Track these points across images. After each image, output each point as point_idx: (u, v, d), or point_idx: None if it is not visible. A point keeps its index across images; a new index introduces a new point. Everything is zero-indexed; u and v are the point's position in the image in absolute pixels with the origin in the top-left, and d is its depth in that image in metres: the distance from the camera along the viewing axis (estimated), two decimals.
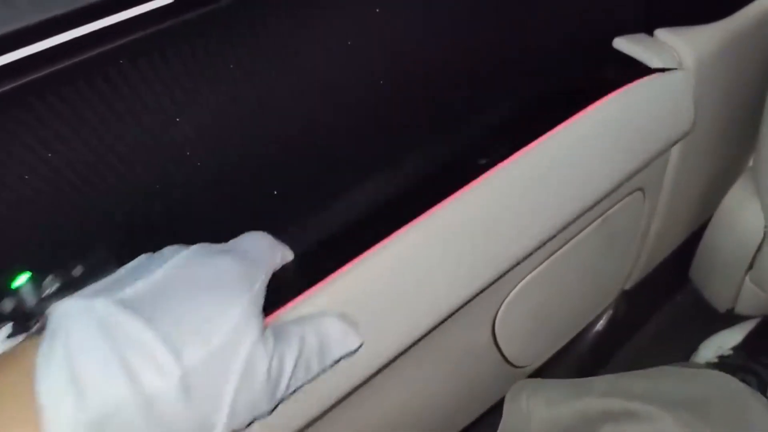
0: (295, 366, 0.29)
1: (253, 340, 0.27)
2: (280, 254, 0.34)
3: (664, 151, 0.55)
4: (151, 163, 0.31)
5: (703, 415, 0.41)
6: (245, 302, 0.27)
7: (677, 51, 0.58)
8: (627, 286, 0.78)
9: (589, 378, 0.52)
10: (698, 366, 0.73)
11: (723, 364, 0.79)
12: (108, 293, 0.25)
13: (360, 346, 0.34)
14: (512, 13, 0.49)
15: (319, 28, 0.35)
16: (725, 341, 0.81)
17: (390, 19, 0.39)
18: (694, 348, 0.84)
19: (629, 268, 0.74)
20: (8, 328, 0.26)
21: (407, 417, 0.56)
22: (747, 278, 0.77)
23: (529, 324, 0.64)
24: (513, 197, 0.46)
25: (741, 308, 0.82)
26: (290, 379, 0.29)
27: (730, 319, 0.84)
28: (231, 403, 0.26)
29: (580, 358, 0.80)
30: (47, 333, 0.24)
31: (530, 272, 0.57)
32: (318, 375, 0.31)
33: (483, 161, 0.44)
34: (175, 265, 0.28)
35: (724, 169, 0.74)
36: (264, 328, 0.28)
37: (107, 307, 0.25)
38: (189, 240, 0.30)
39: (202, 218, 0.36)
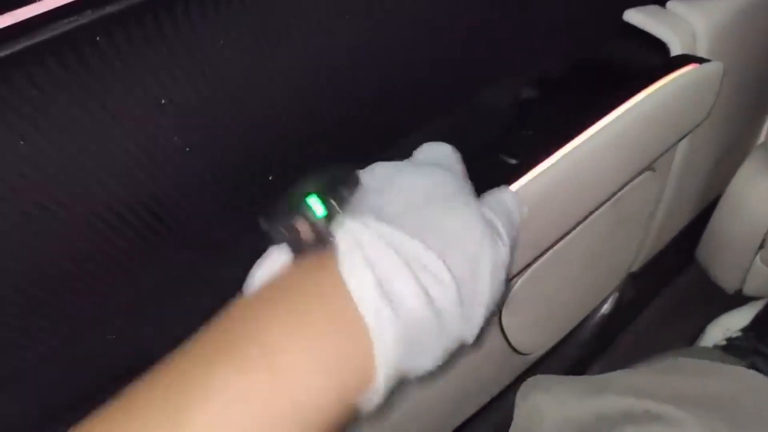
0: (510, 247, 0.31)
1: (490, 242, 0.29)
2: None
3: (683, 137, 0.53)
4: None
5: (733, 418, 0.39)
6: (476, 210, 0.29)
7: (691, 23, 0.55)
8: (634, 268, 0.76)
9: (605, 375, 0.50)
10: (711, 353, 0.71)
11: (731, 346, 0.77)
12: (372, 213, 0.27)
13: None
14: None
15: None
16: (733, 322, 0.80)
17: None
18: (700, 329, 0.82)
19: (636, 249, 0.72)
20: (286, 248, 0.27)
21: (411, 405, 0.54)
22: (757, 258, 0.75)
23: (535, 311, 0.62)
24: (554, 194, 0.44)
25: (749, 289, 0.80)
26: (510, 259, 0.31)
27: (738, 300, 0.82)
28: (488, 300, 0.29)
29: (585, 342, 0.78)
30: (342, 251, 0.26)
31: (538, 259, 0.55)
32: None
33: (512, 161, 0.42)
34: (414, 180, 0.29)
35: (734, 146, 0.71)
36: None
37: (387, 229, 0.26)
38: None
39: None
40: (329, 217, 0.26)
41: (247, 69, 0.32)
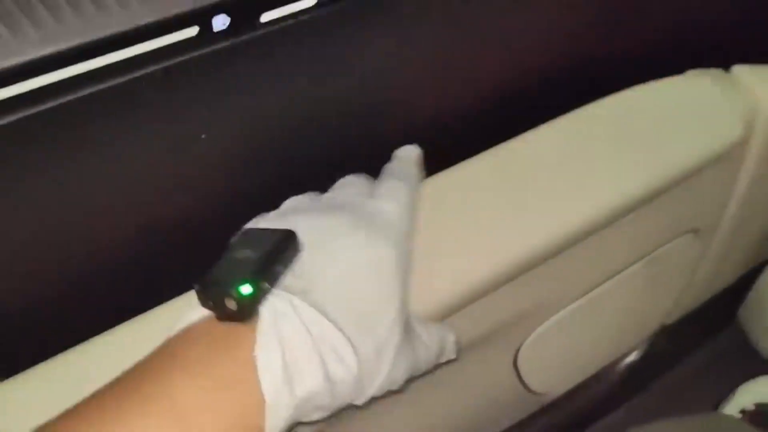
0: (424, 359, 0.35)
1: (401, 328, 0.32)
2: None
3: (705, 163, 0.50)
4: None
5: None
6: (398, 292, 0.32)
7: (754, 91, 0.53)
8: (668, 322, 0.75)
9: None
10: (733, 422, 0.69)
11: (759, 413, 0.75)
12: (301, 291, 0.30)
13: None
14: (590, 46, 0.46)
15: None
16: (765, 389, 0.77)
17: None
18: (730, 391, 0.80)
19: (672, 305, 0.71)
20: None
21: None
22: None
23: (556, 355, 0.62)
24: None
25: None
26: (419, 367, 0.34)
27: None
28: (380, 385, 0.32)
29: (610, 389, 0.78)
30: (260, 328, 0.28)
31: (565, 307, 0.55)
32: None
33: None
34: (346, 251, 0.32)
35: None
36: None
37: (306, 311, 0.29)
38: None
39: None
40: (257, 296, 0.29)
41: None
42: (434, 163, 0.42)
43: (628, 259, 0.55)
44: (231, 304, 0.28)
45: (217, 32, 0.26)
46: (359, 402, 0.32)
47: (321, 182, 0.37)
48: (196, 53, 0.27)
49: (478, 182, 0.44)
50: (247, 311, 0.29)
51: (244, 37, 0.27)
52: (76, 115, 0.27)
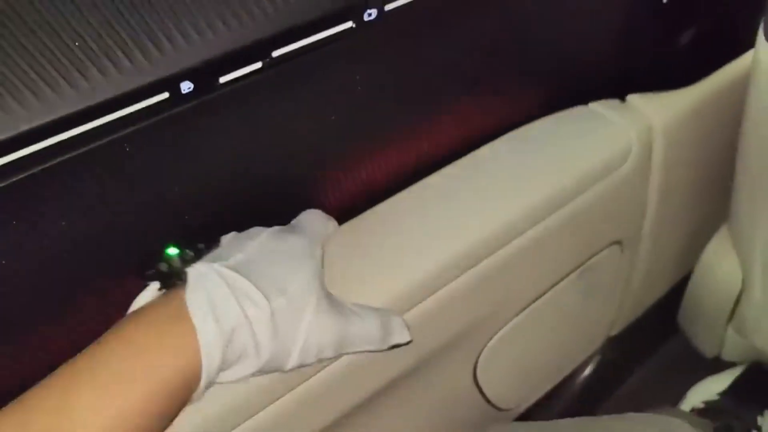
0: (360, 333, 0.40)
1: (318, 295, 0.38)
2: (331, 226, 0.46)
3: (606, 177, 0.59)
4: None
5: None
6: (309, 267, 0.39)
7: (647, 116, 0.62)
8: (613, 332, 0.81)
9: (557, 421, 0.56)
10: (682, 414, 0.75)
11: (708, 409, 0.81)
12: (222, 261, 0.37)
13: (409, 342, 0.44)
14: (493, 82, 0.54)
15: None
16: (712, 387, 0.83)
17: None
18: (683, 394, 0.86)
19: (613, 315, 0.77)
20: (157, 284, 0.38)
21: None
22: (730, 327, 0.79)
23: (512, 368, 0.68)
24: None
25: (726, 355, 0.84)
26: (354, 340, 0.40)
27: (719, 365, 0.86)
28: (303, 340, 0.37)
29: (568, 403, 0.83)
30: (190, 285, 0.35)
31: (511, 319, 0.61)
32: (375, 351, 0.42)
33: None
34: (261, 242, 0.39)
35: (702, 223, 0.77)
36: (328, 293, 0.40)
37: (225, 270, 0.36)
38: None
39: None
40: (185, 262, 0.37)
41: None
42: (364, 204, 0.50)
43: (563, 269, 0.62)
44: (163, 267, 0.37)
45: (185, 94, 0.33)
46: (288, 364, 0.37)
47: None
48: (167, 114, 0.34)
49: (396, 217, 0.51)
50: (176, 272, 0.37)
51: (206, 97, 0.34)
52: (63, 174, 0.33)
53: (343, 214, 0.49)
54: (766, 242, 0.65)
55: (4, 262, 0.33)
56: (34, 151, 0.30)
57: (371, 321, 0.41)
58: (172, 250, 0.38)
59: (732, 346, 0.82)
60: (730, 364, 0.86)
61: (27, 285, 0.35)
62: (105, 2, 0.30)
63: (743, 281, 0.72)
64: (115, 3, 0.31)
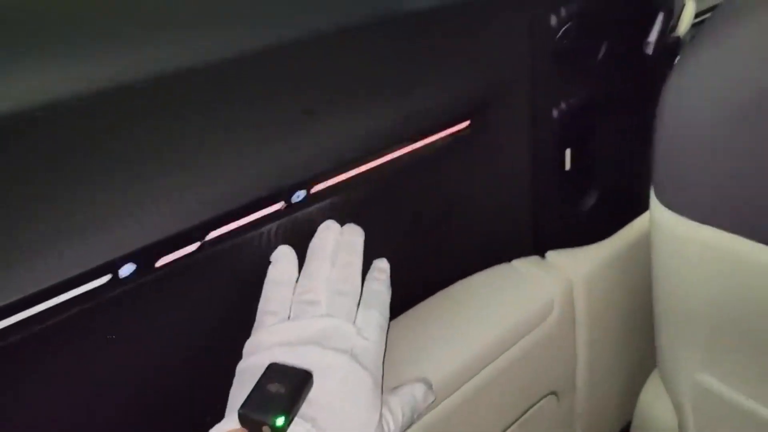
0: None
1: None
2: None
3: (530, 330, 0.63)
4: None
5: None
6: (377, 409, 0.42)
7: (566, 270, 0.67)
8: None
9: None
10: None
11: None
12: (311, 420, 0.38)
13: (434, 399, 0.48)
14: (419, 244, 0.58)
15: None
16: None
17: None
18: None
19: None
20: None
21: None
22: None
23: None
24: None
25: None
26: None
27: None
28: None
29: None
30: None
31: None
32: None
33: None
34: (340, 391, 0.40)
35: (636, 370, 0.81)
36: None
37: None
38: None
39: None
40: (287, 427, 0.37)
41: None
42: None
43: (504, 420, 0.64)
44: (266, 430, 0.37)
45: (123, 278, 0.36)
46: None
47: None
48: (109, 295, 0.36)
49: None
50: None
51: (144, 279, 0.37)
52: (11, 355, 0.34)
53: None
54: (691, 384, 0.68)
55: None
56: None
57: (403, 407, 0.45)
58: (280, 421, 0.37)
59: None
60: None
61: None
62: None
63: (678, 424, 0.75)
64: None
